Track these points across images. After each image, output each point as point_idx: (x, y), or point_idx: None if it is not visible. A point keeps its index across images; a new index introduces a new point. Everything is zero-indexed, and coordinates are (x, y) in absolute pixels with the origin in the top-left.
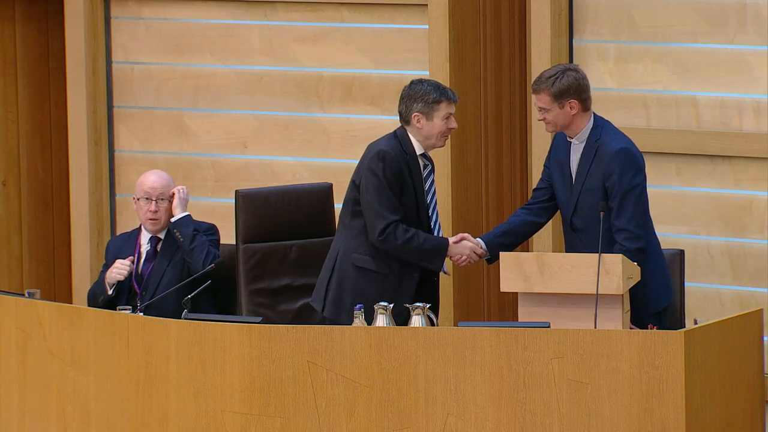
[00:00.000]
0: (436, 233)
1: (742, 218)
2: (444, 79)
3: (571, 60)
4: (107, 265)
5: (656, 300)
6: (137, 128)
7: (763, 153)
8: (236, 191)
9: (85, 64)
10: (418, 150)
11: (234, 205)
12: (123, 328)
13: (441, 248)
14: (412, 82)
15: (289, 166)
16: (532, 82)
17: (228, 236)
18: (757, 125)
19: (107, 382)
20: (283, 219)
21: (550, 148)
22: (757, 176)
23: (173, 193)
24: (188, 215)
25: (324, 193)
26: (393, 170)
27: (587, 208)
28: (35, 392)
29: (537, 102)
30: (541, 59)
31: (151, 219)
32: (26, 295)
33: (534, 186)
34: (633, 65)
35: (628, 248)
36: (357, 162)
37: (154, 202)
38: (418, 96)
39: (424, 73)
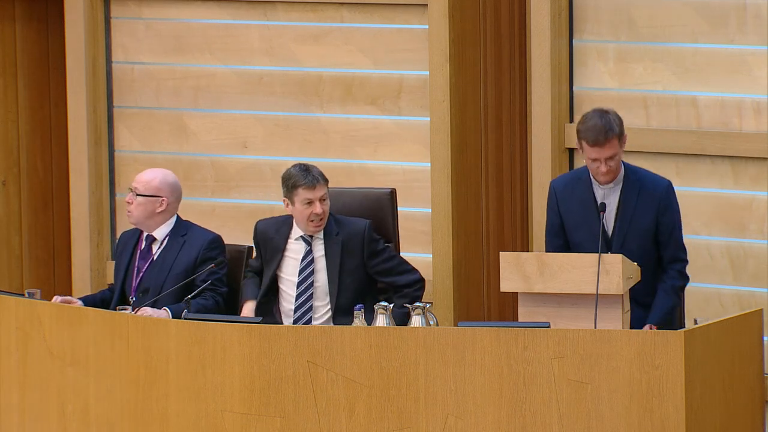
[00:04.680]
0: (304, 312)
1: (742, 218)
2: (444, 79)
3: (570, 60)
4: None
5: None
6: (137, 128)
7: (763, 153)
8: None
9: (85, 64)
10: (296, 234)
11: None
12: (123, 328)
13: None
14: (290, 167)
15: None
16: (592, 139)
17: (229, 236)
18: (757, 125)
19: (107, 382)
20: None
21: (554, 203)
22: (757, 176)
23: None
24: (176, 309)
25: (386, 198)
26: (255, 241)
27: (636, 249)
28: (35, 392)
29: (605, 153)
30: (541, 59)
31: (127, 210)
32: (26, 295)
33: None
34: (633, 65)
35: (687, 277)
36: (356, 162)
37: (131, 194)
38: (283, 180)
39: (424, 73)
